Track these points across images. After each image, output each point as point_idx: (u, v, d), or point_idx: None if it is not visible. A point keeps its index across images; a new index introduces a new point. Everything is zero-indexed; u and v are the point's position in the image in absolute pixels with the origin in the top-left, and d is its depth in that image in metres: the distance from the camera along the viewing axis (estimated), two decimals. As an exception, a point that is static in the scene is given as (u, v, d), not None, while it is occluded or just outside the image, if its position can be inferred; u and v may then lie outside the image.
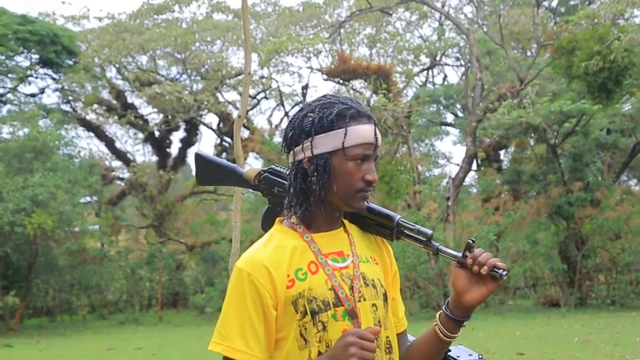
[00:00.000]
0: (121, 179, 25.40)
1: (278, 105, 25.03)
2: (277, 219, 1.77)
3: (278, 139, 22.24)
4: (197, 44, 22.21)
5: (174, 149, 25.28)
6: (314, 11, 22.46)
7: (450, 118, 25.74)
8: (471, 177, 22.49)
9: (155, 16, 23.00)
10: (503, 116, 17.02)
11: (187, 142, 25.02)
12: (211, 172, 2.15)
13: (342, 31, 20.75)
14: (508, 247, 18.09)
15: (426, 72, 25.14)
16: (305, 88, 23.85)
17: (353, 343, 1.51)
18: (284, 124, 24.11)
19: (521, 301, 20.05)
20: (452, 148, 41.78)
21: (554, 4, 23.02)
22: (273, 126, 24.72)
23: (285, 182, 1.83)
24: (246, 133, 21.49)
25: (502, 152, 23.19)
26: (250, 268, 1.62)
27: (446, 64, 24.92)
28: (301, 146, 1.68)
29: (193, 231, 24.15)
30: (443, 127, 25.33)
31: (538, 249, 18.77)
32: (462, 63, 23.24)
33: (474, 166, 21.96)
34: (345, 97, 1.71)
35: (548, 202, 18.36)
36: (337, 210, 1.70)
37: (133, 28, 22.13)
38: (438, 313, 1.70)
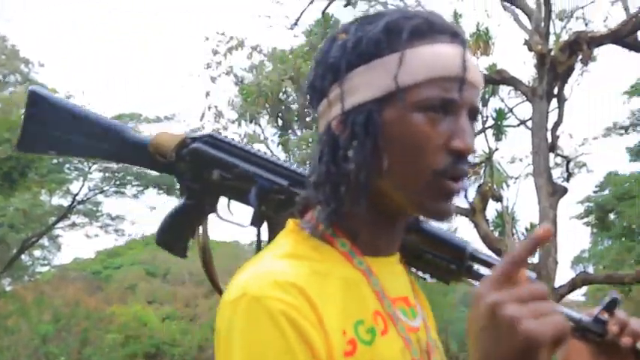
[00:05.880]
0: None
1: None
2: (291, 221, 0.98)
3: None
4: None
5: None
6: None
7: None
8: None
9: None
10: None
11: None
12: (65, 128, 1.17)
13: None
14: None
15: None
16: None
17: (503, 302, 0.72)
18: None
19: None
20: None
21: None
22: None
23: (237, 161, 1.13)
24: None
25: None
26: (283, 294, 0.84)
27: None
28: (327, 99, 0.94)
29: None
30: None
31: None
32: None
33: None
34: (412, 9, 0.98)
35: None
36: (393, 215, 0.96)
37: None
38: None
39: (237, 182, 1.16)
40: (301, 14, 12.20)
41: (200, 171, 1.20)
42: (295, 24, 12.09)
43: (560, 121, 9.59)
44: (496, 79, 10.16)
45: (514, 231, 10.32)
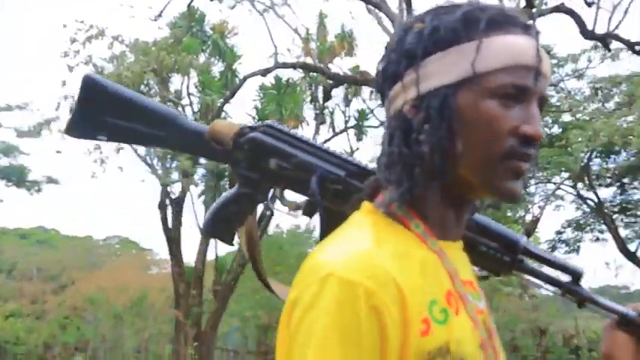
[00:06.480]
0: None
1: None
2: (364, 203, 1.00)
3: None
4: None
5: None
6: None
7: None
8: None
9: None
10: None
11: None
12: (118, 114, 1.19)
13: None
14: None
15: None
16: None
17: None
18: None
19: None
20: None
21: None
22: None
23: (295, 151, 1.14)
24: None
25: None
26: (373, 283, 0.85)
27: None
28: (400, 83, 0.97)
29: None
30: None
31: None
32: None
33: None
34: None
35: None
36: (462, 198, 0.99)
37: None
38: None
39: (295, 172, 1.16)
40: (165, 6, 11.96)
41: (257, 160, 1.19)
42: (159, 16, 11.79)
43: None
44: (359, 79, 10.42)
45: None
